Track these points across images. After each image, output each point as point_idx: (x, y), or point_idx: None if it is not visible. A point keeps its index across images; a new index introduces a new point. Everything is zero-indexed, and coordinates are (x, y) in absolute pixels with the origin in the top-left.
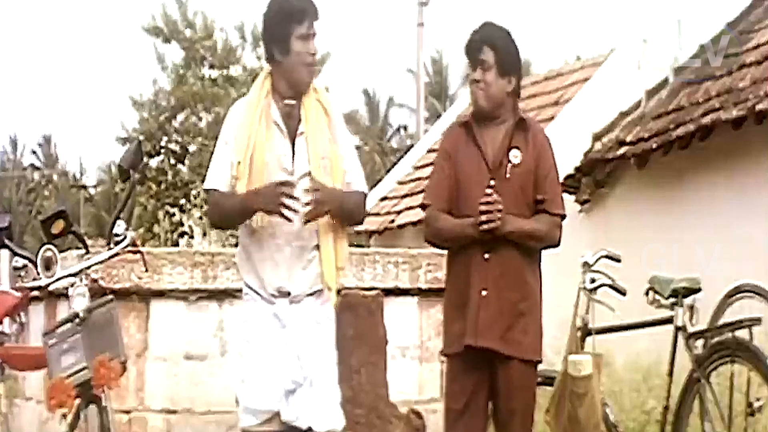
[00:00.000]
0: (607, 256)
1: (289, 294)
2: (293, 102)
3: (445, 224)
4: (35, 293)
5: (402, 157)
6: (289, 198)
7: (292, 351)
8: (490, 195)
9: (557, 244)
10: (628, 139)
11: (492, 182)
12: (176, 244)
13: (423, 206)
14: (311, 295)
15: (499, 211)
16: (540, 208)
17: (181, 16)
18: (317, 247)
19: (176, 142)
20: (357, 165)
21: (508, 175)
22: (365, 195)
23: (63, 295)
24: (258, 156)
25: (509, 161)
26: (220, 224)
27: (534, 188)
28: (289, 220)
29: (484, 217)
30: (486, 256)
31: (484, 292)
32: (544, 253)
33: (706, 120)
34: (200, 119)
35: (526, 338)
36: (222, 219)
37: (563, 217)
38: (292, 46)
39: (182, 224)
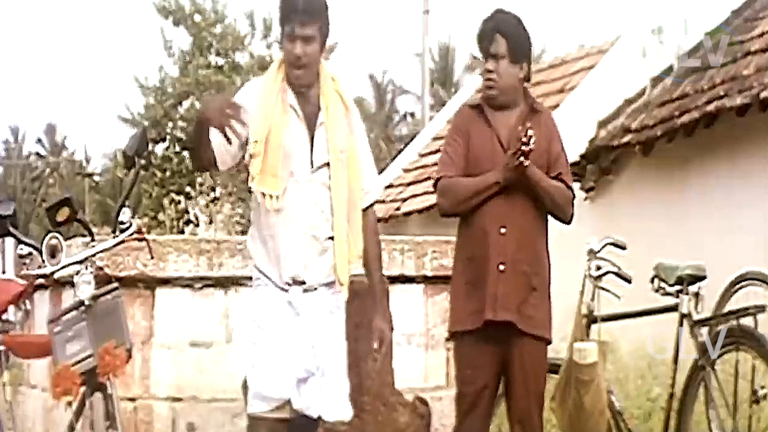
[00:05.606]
0: (612, 244)
1: (303, 283)
2: (302, 91)
3: (467, 182)
4: (40, 281)
5: (408, 144)
6: (234, 120)
7: (307, 340)
8: (526, 132)
9: (568, 222)
10: (633, 126)
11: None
12: (182, 232)
13: (436, 182)
14: (325, 284)
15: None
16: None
17: (191, 1)
18: (332, 238)
19: (181, 129)
20: (373, 168)
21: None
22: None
23: (68, 282)
24: (274, 137)
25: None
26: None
27: (546, 170)
28: (228, 141)
29: (525, 147)
30: (503, 230)
31: (501, 267)
32: (550, 239)
33: (711, 107)
34: None
35: (537, 314)
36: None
37: (573, 196)
38: (283, 41)
39: (187, 212)
